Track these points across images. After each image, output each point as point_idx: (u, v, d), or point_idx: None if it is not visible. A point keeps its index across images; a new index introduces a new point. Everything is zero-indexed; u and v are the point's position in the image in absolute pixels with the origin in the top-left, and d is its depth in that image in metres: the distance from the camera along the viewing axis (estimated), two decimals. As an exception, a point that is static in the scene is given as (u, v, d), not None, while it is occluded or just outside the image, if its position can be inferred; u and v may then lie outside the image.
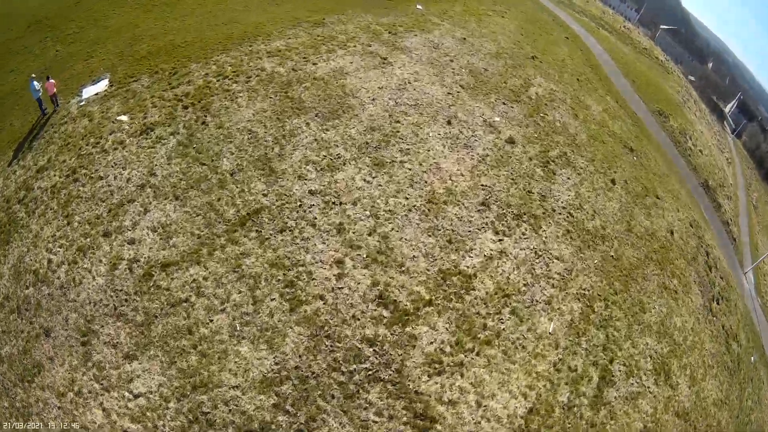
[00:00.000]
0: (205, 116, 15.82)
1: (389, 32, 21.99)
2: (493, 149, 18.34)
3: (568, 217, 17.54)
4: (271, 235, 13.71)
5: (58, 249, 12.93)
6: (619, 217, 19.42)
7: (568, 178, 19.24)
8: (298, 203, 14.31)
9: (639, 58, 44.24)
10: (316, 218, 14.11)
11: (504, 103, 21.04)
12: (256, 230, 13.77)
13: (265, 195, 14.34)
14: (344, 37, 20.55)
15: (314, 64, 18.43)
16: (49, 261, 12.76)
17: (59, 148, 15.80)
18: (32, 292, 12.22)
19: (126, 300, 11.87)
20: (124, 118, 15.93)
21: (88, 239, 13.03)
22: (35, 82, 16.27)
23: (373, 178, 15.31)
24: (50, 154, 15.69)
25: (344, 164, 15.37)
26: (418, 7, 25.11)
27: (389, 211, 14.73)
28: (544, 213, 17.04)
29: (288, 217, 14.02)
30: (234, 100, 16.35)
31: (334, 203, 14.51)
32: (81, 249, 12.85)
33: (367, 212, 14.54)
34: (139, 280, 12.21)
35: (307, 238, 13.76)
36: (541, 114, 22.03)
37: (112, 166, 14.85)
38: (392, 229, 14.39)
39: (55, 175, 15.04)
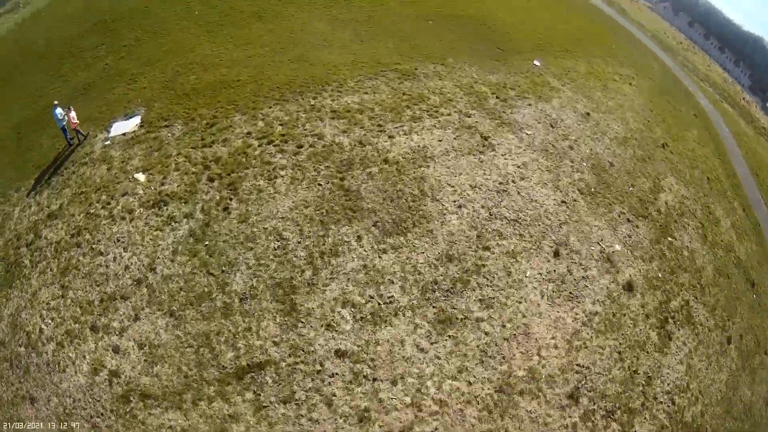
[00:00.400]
0: (230, 199, 9.86)
1: (497, 96, 14.17)
2: (606, 302, 10.79)
3: (669, 406, 10.52)
4: (271, 403, 8.05)
5: (50, 321, 9.92)
6: (724, 393, 12.21)
7: (684, 344, 11.76)
8: (318, 367, 8.21)
9: (760, 141, 31.70)
10: (335, 394, 8.03)
11: (629, 220, 13.00)
12: (255, 391, 8.11)
13: (276, 343, 8.37)
14: (437, 99, 13.18)
15: (390, 137, 11.50)
16: (41, 330, 9.84)
17: (73, 195, 11.27)
18: (24, 352, 9.67)
19: (102, 414, 8.79)
20: (141, 177, 10.45)
21: (77, 325, 9.61)
22: (58, 110, 11.34)
23: (432, 344, 8.68)
24: (63, 200, 11.50)
25: (395, 315, 8.80)
26: (536, 63, 16.59)
27: (440, 401, 8.26)
28: (642, 404, 10.18)
29: (299, 384, 8.08)
30: (272, 179, 10.13)
31: (366, 376, 8.24)
32: (69, 333, 9.61)
33: (408, 398, 8.18)
34: (117, 399, 8.89)
35: (317, 421, 7.87)
36: (669, 238, 13.69)
37: (114, 242, 10.03)
38: (435, 430, 7.91)
39: (61, 229, 10.93)
